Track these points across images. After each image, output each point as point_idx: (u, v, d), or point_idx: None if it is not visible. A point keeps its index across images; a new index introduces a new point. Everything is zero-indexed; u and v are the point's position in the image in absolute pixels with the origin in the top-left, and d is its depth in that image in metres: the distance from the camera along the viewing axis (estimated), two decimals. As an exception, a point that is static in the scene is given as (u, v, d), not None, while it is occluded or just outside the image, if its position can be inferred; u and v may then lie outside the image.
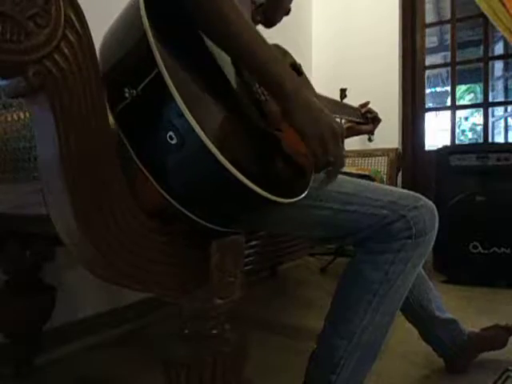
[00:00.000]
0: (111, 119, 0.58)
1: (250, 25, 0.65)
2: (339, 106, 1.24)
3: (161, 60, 0.54)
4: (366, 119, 1.29)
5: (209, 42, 0.69)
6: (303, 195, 0.70)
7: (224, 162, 0.54)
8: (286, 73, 0.64)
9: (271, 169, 0.67)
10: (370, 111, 1.30)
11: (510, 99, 6.65)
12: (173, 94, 0.53)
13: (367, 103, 1.32)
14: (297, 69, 1.00)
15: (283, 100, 0.65)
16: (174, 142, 0.54)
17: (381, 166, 2.69)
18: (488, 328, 1.22)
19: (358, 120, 1.28)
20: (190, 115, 0.53)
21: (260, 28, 0.95)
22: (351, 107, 1.28)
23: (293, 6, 1.07)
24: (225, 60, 0.72)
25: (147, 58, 0.54)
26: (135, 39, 0.58)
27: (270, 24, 1.05)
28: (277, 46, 0.95)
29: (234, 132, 0.64)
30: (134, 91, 0.56)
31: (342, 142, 0.68)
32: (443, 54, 5.62)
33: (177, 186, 0.58)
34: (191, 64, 0.63)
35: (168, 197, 0.57)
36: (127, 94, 0.56)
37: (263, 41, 0.65)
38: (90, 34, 0.52)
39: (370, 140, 1.36)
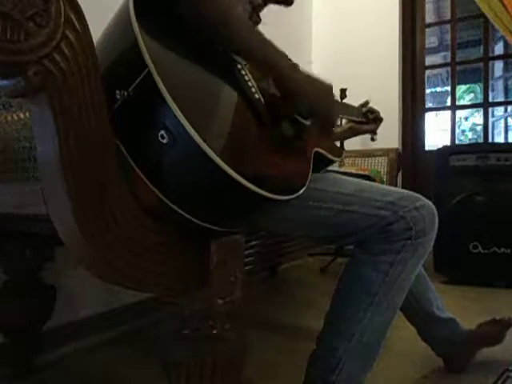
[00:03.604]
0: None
1: (246, 23, 0.69)
2: (340, 106, 1.23)
3: (150, 60, 0.54)
4: (368, 119, 1.28)
5: (201, 39, 0.69)
6: (299, 193, 0.70)
7: (216, 159, 0.54)
8: (281, 59, 0.73)
9: (266, 166, 0.67)
10: (372, 110, 1.29)
11: (510, 99, 6.66)
12: (163, 94, 0.53)
13: (367, 102, 1.32)
14: None
15: (283, 82, 0.74)
16: (165, 141, 0.55)
17: (381, 166, 2.69)
18: (484, 323, 1.22)
19: (359, 119, 1.27)
20: (180, 113, 0.53)
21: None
22: (352, 107, 1.28)
23: (293, 5, 1.06)
24: (217, 55, 0.72)
25: (137, 59, 0.55)
26: (125, 41, 0.59)
27: (289, 2, 1.02)
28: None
29: (227, 130, 0.63)
30: (125, 92, 0.56)
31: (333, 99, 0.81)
32: (443, 54, 5.62)
33: (171, 186, 0.58)
34: (183, 63, 0.63)
35: (163, 197, 0.57)
36: (118, 96, 0.57)
37: (256, 34, 0.70)
38: (90, 34, 0.52)
39: (372, 139, 1.35)
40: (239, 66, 0.74)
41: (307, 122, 0.90)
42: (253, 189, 0.58)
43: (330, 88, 0.82)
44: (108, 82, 0.58)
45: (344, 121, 1.34)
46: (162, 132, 0.54)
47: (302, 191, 0.71)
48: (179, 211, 0.59)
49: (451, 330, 1.15)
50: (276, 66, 0.72)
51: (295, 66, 0.75)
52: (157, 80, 0.53)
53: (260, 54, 0.71)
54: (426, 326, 1.15)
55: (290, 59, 0.75)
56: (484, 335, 1.19)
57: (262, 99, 0.74)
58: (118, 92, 0.57)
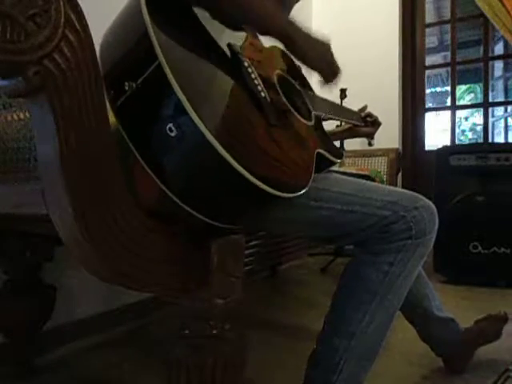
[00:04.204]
0: (111, 119, 0.58)
1: None
2: (339, 109, 1.23)
3: (161, 52, 0.54)
4: (366, 123, 1.29)
5: (212, 33, 0.69)
6: (303, 191, 0.70)
7: (224, 154, 0.54)
8: (287, 23, 0.76)
9: (270, 163, 0.67)
10: (370, 115, 1.30)
11: (510, 99, 6.66)
12: (173, 86, 0.53)
13: (365, 107, 1.32)
14: (296, 71, 1.00)
15: (291, 46, 0.77)
16: (173, 134, 0.54)
17: (381, 166, 2.69)
18: (481, 320, 1.22)
19: (357, 123, 1.27)
20: (189, 107, 0.53)
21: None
22: (351, 111, 1.28)
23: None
24: (225, 52, 0.72)
25: (148, 51, 0.55)
26: (136, 33, 0.59)
27: None
28: (275, 47, 0.95)
29: (234, 125, 0.64)
30: (134, 84, 0.56)
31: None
32: (443, 54, 5.62)
33: (176, 180, 0.58)
34: (193, 56, 0.63)
35: (168, 192, 0.57)
36: (127, 87, 0.57)
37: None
38: (90, 34, 0.52)
39: (370, 144, 1.35)
40: (246, 64, 0.74)
41: (310, 123, 0.90)
42: (258, 184, 0.58)
43: (328, 45, 0.86)
44: (117, 73, 0.58)
45: (342, 123, 1.34)
46: (170, 125, 0.54)
47: (304, 190, 0.71)
48: (182, 205, 0.59)
49: (450, 330, 1.15)
50: (274, 25, 0.74)
51: (293, 23, 0.77)
52: (167, 72, 0.53)
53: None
54: (426, 327, 1.15)
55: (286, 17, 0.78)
56: (481, 332, 1.19)
57: (268, 98, 0.75)
58: (126, 83, 0.57)
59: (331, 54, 0.87)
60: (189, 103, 0.53)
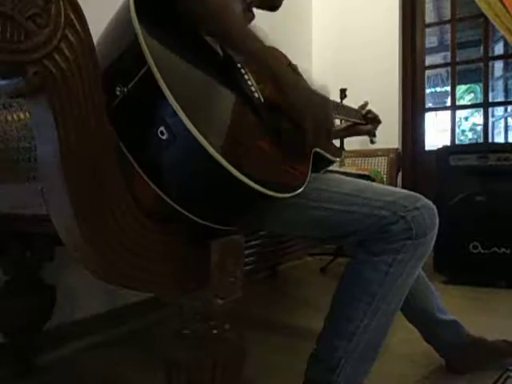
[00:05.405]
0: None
1: (239, 19, 0.68)
2: (340, 108, 1.23)
3: (150, 57, 0.54)
4: (367, 120, 1.29)
5: (202, 38, 0.70)
6: (298, 191, 0.70)
7: (216, 156, 0.54)
8: (276, 62, 0.71)
9: (265, 164, 0.67)
10: (371, 112, 1.29)
11: (510, 99, 6.66)
12: (163, 90, 0.53)
13: (366, 104, 1.32)
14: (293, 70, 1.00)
15: (276, 81, 0.71)
16: (165, 137, 0.55)
17: (381, 165, 2.69)
18: (502, 340, 1.20)
19: (358, 121, 1.27)
20: (180, 109, 0.53)
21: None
22: (351, 108, 1.28)
23: (293, 6, 1.06)
24: (217, 53, 0.72)
25: (138, 56, 0.55)
26: (126, 39, 0.59)
27: (273, 8, 1.03)
28: (273, 48, 0.95)
29: (226, 126, 0.64)
30: (125, 89, 0.57)
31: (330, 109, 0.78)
32: (443, 54, 5.62)
33: (170, 183, 0.58)
34: (183, 60, 0.63)
35: (163, 195, 0.58)
36: (118, 92, 0.57)
37: (248, 31, 0.68)
38: (89, 34, 0.52)
39: (372, 142, 1.35)
40: (239, 65, 0.74)
41: None
42: (251, 185, 0.58)
43: (326, 100, 0.79)
44: (108, 78, 0.58)
45: (342, 122, 1.34)
46: (162, 128, 0.54)
47: (300, 190, 0.71)
48: (178, 208, 0.59)
49: (453, 331, 1.14)
50: (270, 67, 0.70)
51: (290, 71, 0.73)
52: (157, 76, 0.54)
53: (254, 53, 0.69)
54: (428, 328, 1.15)
55: (287, 61, 0.73)
56: (496, 348, 1.17)
57: (262, 98, 0.74)
58: (118, 88, 0.57)
59: (326, 115, 0.78)
60: (179, 106, 0.53)
